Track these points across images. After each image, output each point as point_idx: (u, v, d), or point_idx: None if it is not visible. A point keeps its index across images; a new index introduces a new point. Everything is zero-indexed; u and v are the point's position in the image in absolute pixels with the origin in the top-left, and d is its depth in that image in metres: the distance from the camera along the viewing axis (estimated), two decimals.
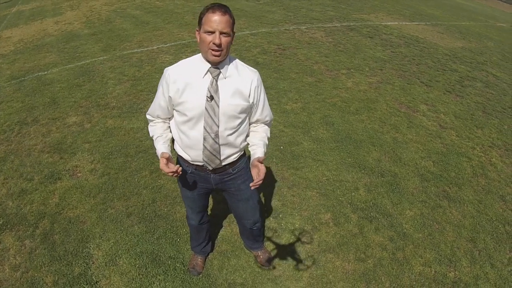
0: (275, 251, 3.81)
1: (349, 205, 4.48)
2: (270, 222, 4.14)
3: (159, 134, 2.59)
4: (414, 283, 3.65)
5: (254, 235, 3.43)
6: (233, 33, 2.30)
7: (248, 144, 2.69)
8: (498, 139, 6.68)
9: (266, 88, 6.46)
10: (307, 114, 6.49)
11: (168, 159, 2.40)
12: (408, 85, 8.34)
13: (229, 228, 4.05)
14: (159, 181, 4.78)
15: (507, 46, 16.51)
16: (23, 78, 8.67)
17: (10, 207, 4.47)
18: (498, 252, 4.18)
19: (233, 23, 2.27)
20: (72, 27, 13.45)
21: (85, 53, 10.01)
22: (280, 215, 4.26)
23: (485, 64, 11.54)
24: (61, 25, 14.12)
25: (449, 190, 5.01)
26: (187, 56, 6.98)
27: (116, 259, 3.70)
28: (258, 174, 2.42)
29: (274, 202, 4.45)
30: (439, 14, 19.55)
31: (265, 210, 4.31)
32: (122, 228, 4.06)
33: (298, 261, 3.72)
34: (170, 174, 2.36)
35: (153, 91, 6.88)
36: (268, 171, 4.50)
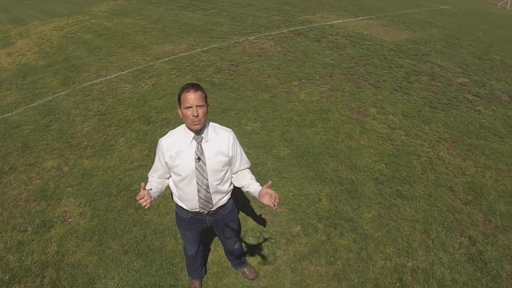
0: (258, 266, 4.60)
1: (315, 216, 5.34)
2: (249, 241, 4.93)
3: (151, 186, 3.32)
4: (378, 275, 4.52)
5: (237, 254, 4.25)
6: (207, 104, 3.06)
7: (234, 187, 3.53)
8: (444, 132, 7.74)
9: (225, 110, 7.43)
10: (267, 133, 7.33)
11: (144, 190, 3.00)
12: (357, 89, 9.37)
13: (216, 252, 4.79)
14: (145, 217, 5.40)
15: (451, 30, 17.86)
16: None
17: (12, 260, 4.90)
18: (450, 239, 5.10)
19: (206, 96, 3.03)
20: (26, 59, 13.55)
21: (45, 88, 10.30)
22: (257, 234, 5.05)
23: (429, 55, 12.71)
24: (15, 57, 14.12)
25: (402, 189, 5.95)
26: (146, 83, 7.93)
27: None
28: (271, 197, 3.04)
29: (250, 222, 5.23)
30: (383, 5, 20.82)
31: (244, 231, 5.08)
32: (123, 266, 4.66)
33: (279, 271, 4.53)
34: (144, 202, 2.97)
35: (120, 125, 7.62)
36: (240, 193, 5.26)
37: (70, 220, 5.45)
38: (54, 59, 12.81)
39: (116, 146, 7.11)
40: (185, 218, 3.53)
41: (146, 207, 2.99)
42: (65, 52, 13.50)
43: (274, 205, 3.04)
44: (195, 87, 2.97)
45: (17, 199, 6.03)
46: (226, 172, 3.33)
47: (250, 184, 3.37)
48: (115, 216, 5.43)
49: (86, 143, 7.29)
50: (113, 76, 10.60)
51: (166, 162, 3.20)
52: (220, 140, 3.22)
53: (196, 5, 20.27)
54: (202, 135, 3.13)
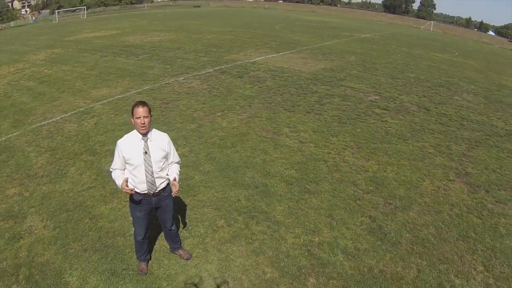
0: (191, 249, 6.12)
1: (235, 212, 6.98)
2: (184, 233, 6.43)
3: (119, 175, 4.86)
4: (290, 249, 6.09)
5: (173, 236, 5.85)
6: (151, 115, 4.68)
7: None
8: (351, 141, 9.71)
9: None
10: (194, 155, 9.10)
11: (127, 182, 4.71)
12: (273, 114, 11.33)
13: (158, 243, 6.23)
14: (98, 224, 6.70)
15: (368, 56, 20.24)
16: None
17: None
18: (352, 219, 6.77)
19: (150, 110, 4.65)
20: None
21: None
22: (189, 227, 6.61)
23: (344, 80, 14.91)
24: None
25: (309, 187, 7.70)
26: (88, 123, 9.94)
27: (87, 279, 5.63)
28: (175, 187, 4.80)
29: (183, 220, 6.78)
30: (304, 40, 23.20)
31: (179, 226, 6.55)
32: (84, 259, 5.88)
33: (208, 252, 6.11)
34: (128, 191, 4.67)
35: (69, 157, 9.06)
36: (176, 199, 6.73)
37: (36, 232, 6.66)
38: (1, 105, 13.80)
39: (68, 174, 8.39)
40: (137, 201, 5.03)
41: (132, 193, 4.78)
42: (11, 98, 14.53)
43: (174, 193, 4.86)
44: (143, 103, 4.58)
45: None
46: (164, 162, 4.95)
47: (171, 176, 5.06)
48: (73, 225, 6.75)
49: (42, 173, 8.53)
50: (59, 118, 11.90)
51: (123, 156, 4.74)
52: (160, 140, 4.85)
53: (129, 51, 22.31)
54: (148, 136, 4.73)
